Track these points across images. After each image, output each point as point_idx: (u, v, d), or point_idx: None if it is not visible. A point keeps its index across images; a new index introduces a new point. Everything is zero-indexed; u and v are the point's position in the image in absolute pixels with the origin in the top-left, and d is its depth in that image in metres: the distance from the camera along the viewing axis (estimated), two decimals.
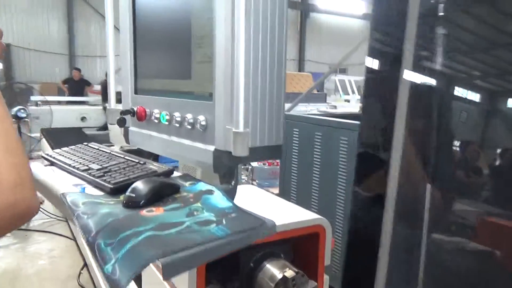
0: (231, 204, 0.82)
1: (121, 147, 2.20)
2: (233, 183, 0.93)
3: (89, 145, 1.29)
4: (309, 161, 2.59)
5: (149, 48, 1.19)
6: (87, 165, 1.05)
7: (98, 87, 9.65)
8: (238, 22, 0.84)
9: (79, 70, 9.04)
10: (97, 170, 1.01)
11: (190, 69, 1.02)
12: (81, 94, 8.50)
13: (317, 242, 0.92)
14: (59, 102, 8.23)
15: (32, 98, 7.51)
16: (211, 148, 0.95)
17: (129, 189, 0.83)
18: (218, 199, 0.84)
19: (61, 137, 5.76)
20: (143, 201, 0.80)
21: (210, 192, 0.87)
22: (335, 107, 8.59)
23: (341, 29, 18.25)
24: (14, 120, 4.83)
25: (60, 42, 13.93)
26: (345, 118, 2.61)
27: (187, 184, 0.94)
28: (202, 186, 0.91)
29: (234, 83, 0.88)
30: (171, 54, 1.10)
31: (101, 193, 0.92)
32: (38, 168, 1.14)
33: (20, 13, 13.14)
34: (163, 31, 1.12)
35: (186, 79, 1.04)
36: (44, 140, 5.60)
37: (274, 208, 0.99)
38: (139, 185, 0.83)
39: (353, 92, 11.92)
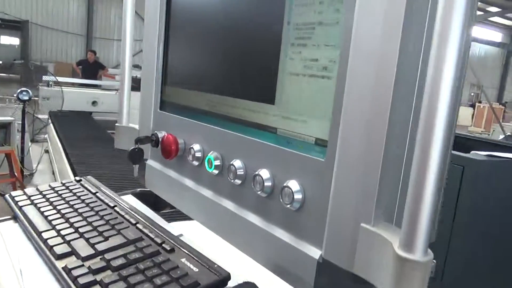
0: None
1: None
2: None
3: (84, 183, 0.80)
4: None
5: (191, 32, 0.69)
6: (68, 242, 0.56)
7: (113, 71, 9.12)
8: None
9: (94, 52, 8.48)
10: (79, 267, 0.51)
11: (274, 85, 0.52)
12: (95, 77, 8.00)
13: None
14: (72, 84, 7.75)
15: (44, 78, 7.05)
16: (314, 253, 0.46)
17: None
18: None
19: (69, 121, 5.29)
20: None
21: None
22: None
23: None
24: (18, 102, 4.36)
25: (78, 22, 13.41)
26: None
27: None
28: None
29: (395, 128, 0.38)
30: (235, 49, 0.59)
31: None
32: None
33: None
34: (220, 4, 0.62)
35: (266, 102, 0.54)
36: (51, 124, 5.14)
37: None
38: None
39: None
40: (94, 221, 0.63)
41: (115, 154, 3.07)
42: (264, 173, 0.52)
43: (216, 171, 0.60)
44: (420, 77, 0.38)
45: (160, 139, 0.72)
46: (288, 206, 0.48)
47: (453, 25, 0.32)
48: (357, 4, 0.41)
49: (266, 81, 0.53)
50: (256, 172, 0.52)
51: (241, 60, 0.58)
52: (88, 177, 0.83)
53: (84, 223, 0.62)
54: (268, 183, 0.51)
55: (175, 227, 0.69)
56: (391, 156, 0.39)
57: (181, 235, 0.65)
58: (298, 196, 0.47)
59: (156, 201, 0.84)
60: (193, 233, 0.67)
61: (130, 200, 0.83)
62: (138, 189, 0.86)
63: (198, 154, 0.64)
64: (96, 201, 0.71)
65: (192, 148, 0.65)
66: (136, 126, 0.84)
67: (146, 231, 0.60)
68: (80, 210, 0.66)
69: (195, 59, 0.68)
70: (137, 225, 0.62)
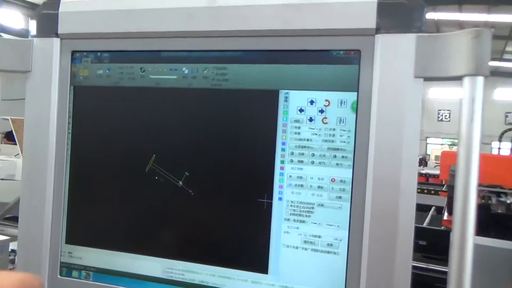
0: None
1: None
2: None
3: None
4: None
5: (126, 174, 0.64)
6: None
7: None
8: None
9: None
10: None
11: (266, 255, 0.57)
12: None
13: None
14: None
15: None
16: None
17: None
18: None
19: None
20: None
21: None
22: None
23: None
24: None
25: None
26: None
27: None
28: None
29: None
30: (215, 212, 0.60)
31: None
32: None
33: None
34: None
35: (255, 271, 0.58)
36: None
37: None
38: None
39: None
40: None
41: None
42: None
43: None
44: None
45: None
46: None
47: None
48: (368, 190, 0.52)
49: (255, 252, 0.58)
50: None
51: (224, 225, 0.59)
52: None
53: None
54: None
55: None
56: None
57: None
58: None
59: None
60: None
61: None
62: None
63: None
64: None
65: None
66: None
67: None
68: None
69: (138, 213, 0.63)
70: None
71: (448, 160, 4.55)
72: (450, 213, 2.85)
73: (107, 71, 0.64)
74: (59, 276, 0.66)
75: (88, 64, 0.65)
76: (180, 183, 0.61)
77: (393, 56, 0.52)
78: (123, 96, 0.64)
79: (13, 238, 1.70)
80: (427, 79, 0.51)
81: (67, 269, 0.66)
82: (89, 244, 0.65)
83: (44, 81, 0.65)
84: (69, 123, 0.65)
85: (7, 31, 11.37)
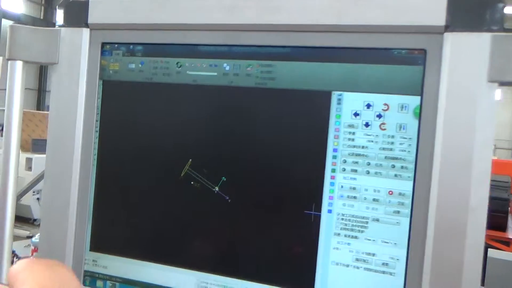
0: None
1: None
2: None
3: None
4: None
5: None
6: None
7: None
8: None
9: None
10: None
11: (312, 273, 0.56)
12: None
13: None
14: None
15: None
16: None
17: None
18: None
19: None
20: None
21: None
22: None
23: None
24: None
25: None
26: None
27: None
28: None
29: None
30: (255, 224, 0.59)
31: None
32: None
33: None
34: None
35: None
36: None
37: None
38: None
39: None
40: None
41: None
42: None
43: None
44: None
45: None
46: None
47: None
48: (432, 205, 0.50)
49: (300, 268, 0.56)
50: None
51: (266, 237, 0.58)
52: None
53: None
54: None
55: None
56: None
57: None
58: None
59: None
60: None
61: None
62: None
63: None
64: None
65: None
66: None
67: None
68: None
69: (171, 220, 0.62)
70: None
71: None
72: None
73: (140, 65, 0.64)
74: (82, 286, 0.65)
75: (119, 57, 0.64)
76: (216, 188, 0.60)
77: (464, 57, 0.50)
78: (157, 93, 0.63)
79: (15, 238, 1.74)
80: (502, 83, 0.49)
81: (91, 278, 0.65)
82: (115, 252, 0.65)
83: (71, 75, 0.65)
84: (97, 121, 0.65)
85: (8, 17, 11.52)
